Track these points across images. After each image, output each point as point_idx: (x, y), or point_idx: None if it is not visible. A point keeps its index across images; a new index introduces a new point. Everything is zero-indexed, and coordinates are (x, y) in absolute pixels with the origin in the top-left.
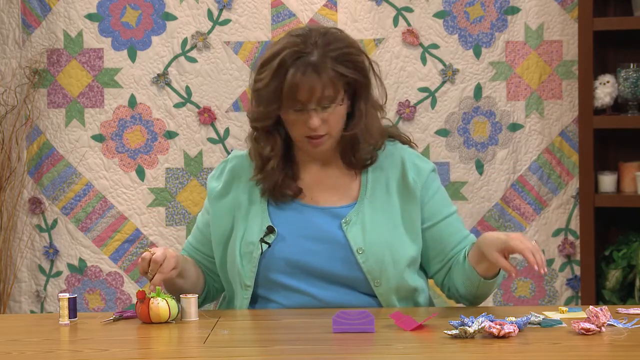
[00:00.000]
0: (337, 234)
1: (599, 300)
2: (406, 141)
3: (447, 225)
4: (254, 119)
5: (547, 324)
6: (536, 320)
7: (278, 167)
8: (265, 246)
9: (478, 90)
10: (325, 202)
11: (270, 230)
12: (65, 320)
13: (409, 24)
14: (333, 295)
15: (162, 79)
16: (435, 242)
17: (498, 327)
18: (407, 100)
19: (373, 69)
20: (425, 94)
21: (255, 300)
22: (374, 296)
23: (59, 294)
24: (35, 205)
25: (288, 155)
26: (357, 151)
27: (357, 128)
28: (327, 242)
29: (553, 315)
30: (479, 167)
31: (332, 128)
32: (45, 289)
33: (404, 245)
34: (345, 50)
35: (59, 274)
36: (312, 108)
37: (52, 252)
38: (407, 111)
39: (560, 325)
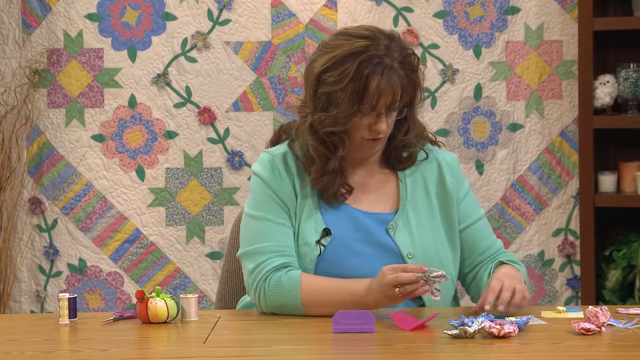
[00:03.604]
0: (385, 239)
1: (599, 300)
2: (433, 141)
3: (477, 229)
4: (330, 124)
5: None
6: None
7: (338, 167)
8: (322, 248)
9: (478, 90)
10: (368, 206)
11: (326, 232)
12: (65, 320)
13: (409, 24)
14: None
15: (162, 79)
16: (467, 246)
17: (498, 327)
18: None
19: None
20: (425, 94)
21: None
22: (418, 297)
23: (59, 294)
24: (35, 205)
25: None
26: (402, 154)
27: (413, 132)
28: (377, 246)
29: (550, 315)
30: (479, 167)
31: (388, 130)
32: (45, 289)
33: (447, 252)
34: (412, 57)
35: (59, 274)
36: (383, 112)
37: (52, 252)
38: None
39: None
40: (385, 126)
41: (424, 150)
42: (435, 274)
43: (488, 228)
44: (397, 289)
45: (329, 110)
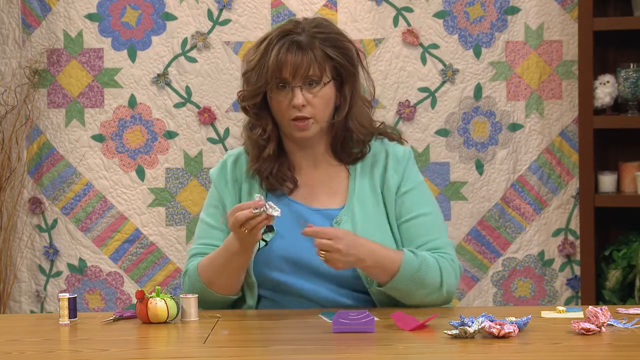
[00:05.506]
0: None
1: (599, 300)
2: (396, 138)
3: (417, 225)
4: (242, 99)
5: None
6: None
7: (273, 154)
8: (262, 243)
9: (478, 90)
10: (317, 203)
11: (269, 229)
12: (65, 320)
13: (409, 24)
14: (327, 292)
15: (162, 79)
16: (404, 241)
17: (498, 327)
18: (407, 100)
19: (360, 59)
20: (425, 94)
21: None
22: (367, 294)
23: (59, 294)
24: (35, 205)
25: (282, 151)
26: (347, 144)
27: (342, 115)
28: None
29: (550, 315)
30: (479, 167)
31: (317, 111)
32: (45, 289)
33: (391, 246)
34: (333, 35)
35: (59, 274)
36: (296, 85)
37: (52, 252)
38: (407, 111)
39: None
40: (300, 99)
41: (369, 146)
42: (269, 203)
43: (432, 227)
44: (243, 228)
45: (247, 87)
